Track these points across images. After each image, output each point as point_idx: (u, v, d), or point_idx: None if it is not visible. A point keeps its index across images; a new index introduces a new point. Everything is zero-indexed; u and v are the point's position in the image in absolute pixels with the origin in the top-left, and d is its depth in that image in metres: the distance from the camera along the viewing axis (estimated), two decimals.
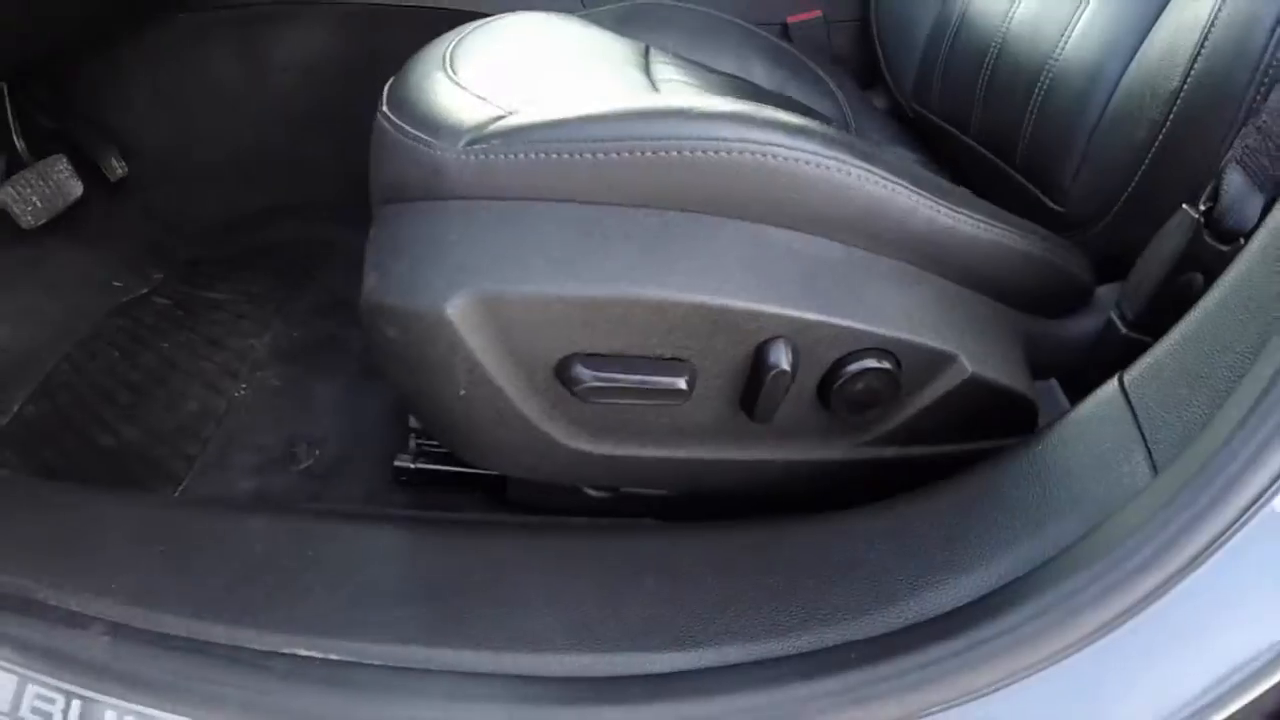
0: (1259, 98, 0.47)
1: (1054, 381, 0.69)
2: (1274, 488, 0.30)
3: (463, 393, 0.44)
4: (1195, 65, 0.50)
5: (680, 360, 0.44)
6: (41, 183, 0.91)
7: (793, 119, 0.44)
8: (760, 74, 0.83)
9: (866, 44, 0.93)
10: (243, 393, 0.82)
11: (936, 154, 0.83)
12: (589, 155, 0.41)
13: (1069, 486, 0.40)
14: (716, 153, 0.41)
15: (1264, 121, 0.42)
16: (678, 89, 0.64)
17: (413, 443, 0.67)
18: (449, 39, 0.55)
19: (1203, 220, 0.45)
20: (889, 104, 0.90)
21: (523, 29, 0.62)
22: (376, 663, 0.37)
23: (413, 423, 0.66)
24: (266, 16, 0.98)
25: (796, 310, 0.43)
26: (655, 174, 0.42)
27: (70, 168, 0.93)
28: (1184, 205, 0.46)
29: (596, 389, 0.44)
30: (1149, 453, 0.37)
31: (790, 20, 0.94)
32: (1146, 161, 0.54)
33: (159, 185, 1.03)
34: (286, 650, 0.38)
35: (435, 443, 0.66)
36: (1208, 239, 0.44)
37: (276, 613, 0.39)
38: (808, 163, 0.42)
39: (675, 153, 0.41)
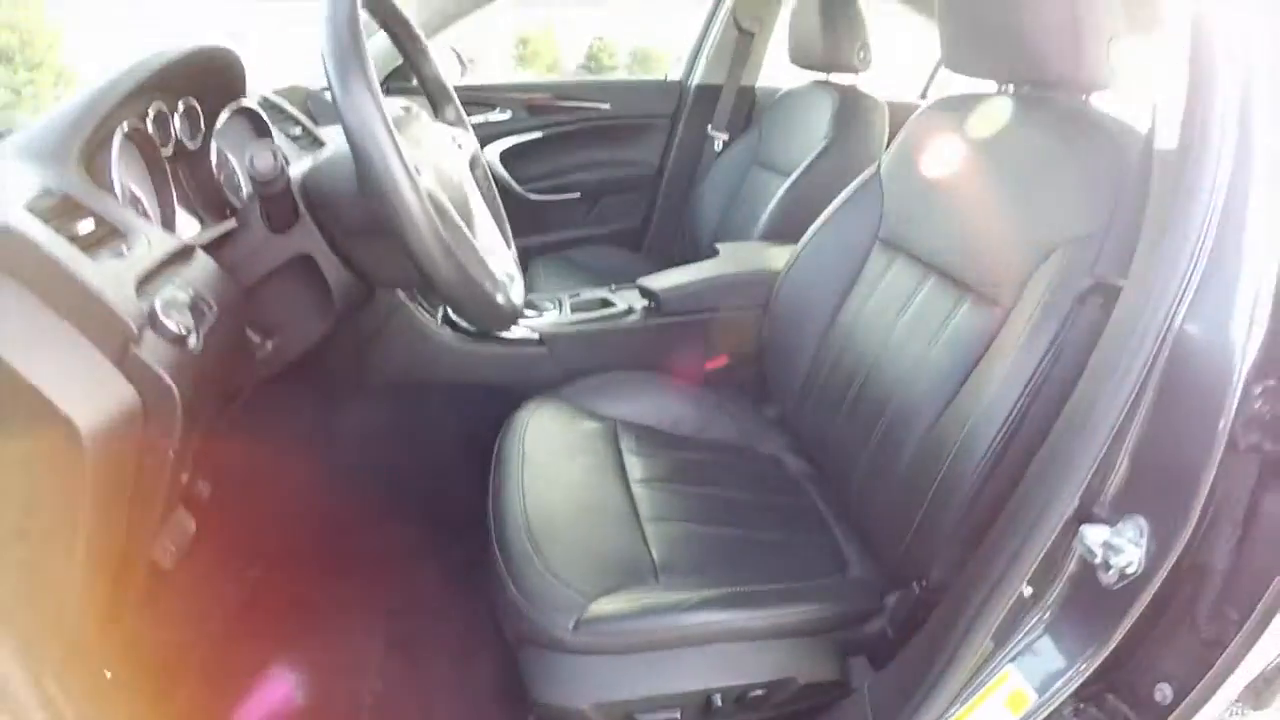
0: None
1: None
2: None
3: None
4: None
5: None
6: (176, 532, 1.18)
7: None
8: (691, 418, 1.24)
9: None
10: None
11: (811, 458, 1.19)
12: None
13: None
14: None
15: None
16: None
17: None
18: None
19: None
20: (776, 414, 1.29)
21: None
22: None
23: None
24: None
25: None
26: None
27: (187, 513, 1.19)
28: None
29: None
30: None
31: (706, 368, 1.38)
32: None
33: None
34: None
35: None
36: None
37: None
38: None
39: None
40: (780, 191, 1.65)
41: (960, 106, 1.01)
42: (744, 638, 0.81)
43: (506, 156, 2.14)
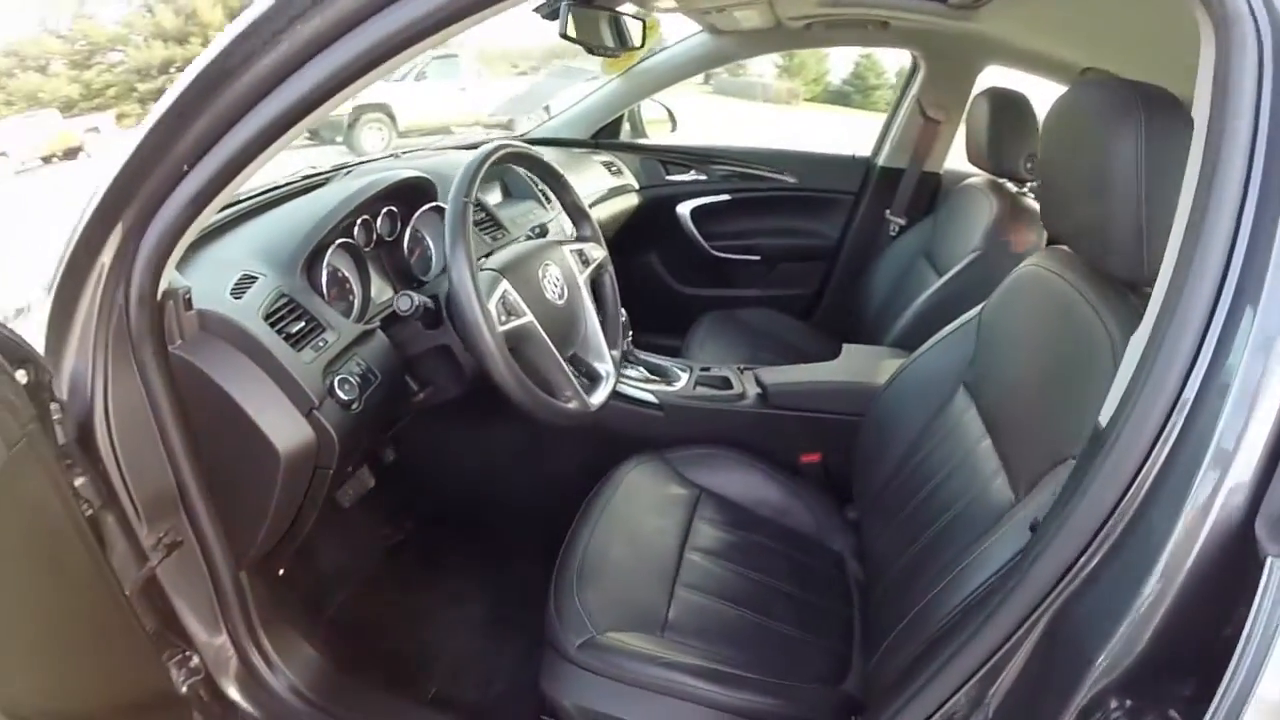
0: None
1: None
2: None
3: None
4: None
5: None
6: (356, 482, 1.50)
7: None
8: (774, 503, 1.37)
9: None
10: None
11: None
12: None
13: None
14: None
15: None
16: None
17: None
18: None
19: None
20: (855, 518, 1.36)
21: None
22: None
23: None
24: None
25: None
26: None
27: (368, 470, 1.51)
28: None
29: None
30: None
31: (801, 460, 1.49)
32: None
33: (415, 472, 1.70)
34: None
35: None
36: None
37: None
38: None
39: None
40: (927, 292, 1.68)
41: (1063, 265, 0.98)
42: (709, 705, 0.94)
43: (697, 214, 2.37)
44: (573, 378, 1.05)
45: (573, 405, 1.03)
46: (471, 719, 1.12)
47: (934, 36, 1.89)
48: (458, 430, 1.70)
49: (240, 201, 1.16)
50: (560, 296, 1.11)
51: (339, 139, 9.22)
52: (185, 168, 0.72)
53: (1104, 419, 0.62)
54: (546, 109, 2.46)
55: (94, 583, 0.77)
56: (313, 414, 0.93)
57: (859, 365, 1.52)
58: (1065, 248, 0.99)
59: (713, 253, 2.38)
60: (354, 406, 0.98)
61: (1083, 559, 0.59)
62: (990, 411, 1.03)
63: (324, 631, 1.18)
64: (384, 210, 1.23)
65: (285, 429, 0.90)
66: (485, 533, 1.70)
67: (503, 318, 0.98)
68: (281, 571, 1.16)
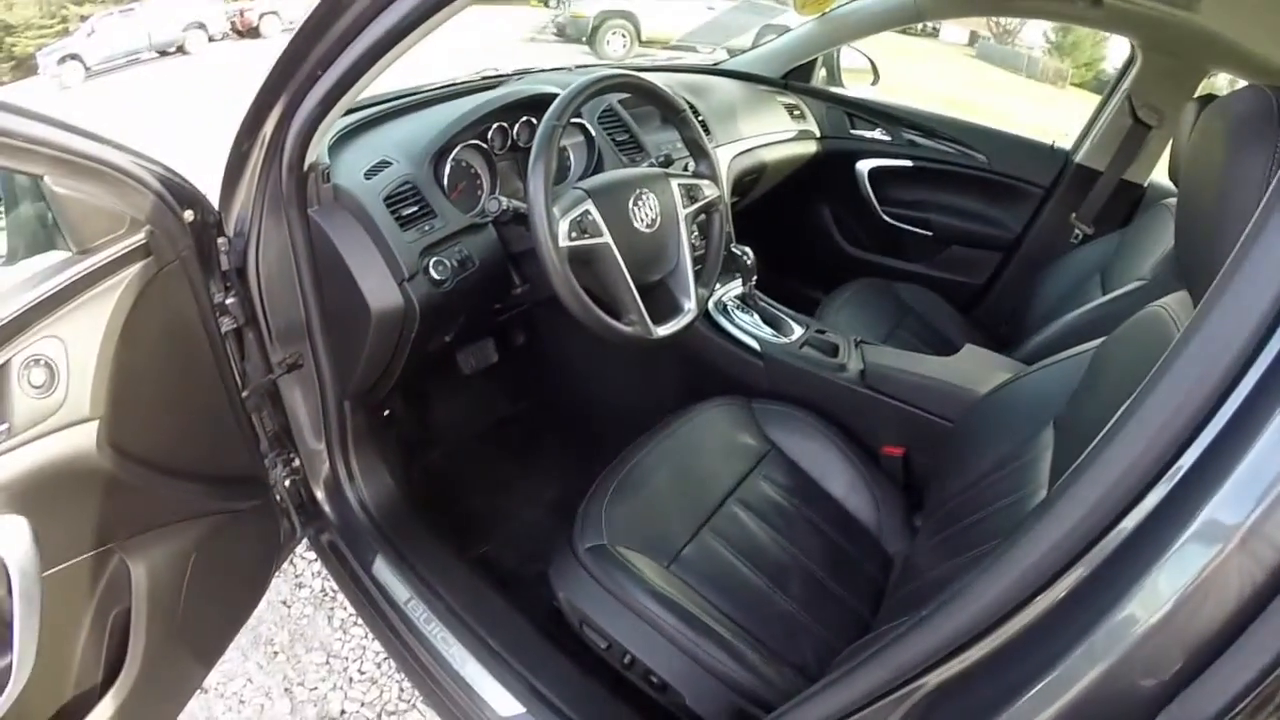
0: None
1: None
2: None
3: None
4: None
5: None
6: (479, 352, 1.75)
7: None
8: (842, 483, 1.35)
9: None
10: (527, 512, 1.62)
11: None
12: None
13: None
14: None
15: None
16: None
17: None
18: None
19: None
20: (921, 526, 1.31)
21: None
22: None
23: None
24: None
25: None
26: None
27: (494, 345, 1.76)
28: None
29: None
30: None
31: (883, 451, 1.44)
32: None
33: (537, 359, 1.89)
34: None
35: None
36: None
37: None
38: None
39: None
40: (1076, 312, 1.49)
41: (1189, 310, 0.85)
42: (684, 652, 0.99)
43: (875, 174, 2.25)
44: (640, 303, 1.10)
45: (632, 329, 1.09)
46: (501, 585, 1.27)
47: (1153, 25, 1.60)
48: (581, 335, 1.84)
49: (403, 97, 1.33)
50: (650, 225, 1.14)
51: (584, 39, 9.54)
52: (319, 72, 0.88)
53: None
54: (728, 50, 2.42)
55: (215, 381, 0.99)
56: (403, 285, 1.09)
57: (971, 368, 1.41)
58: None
59: (884, 218, 2.26)
60: (444, 285, 1.13)
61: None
62: (1061, 461, 0.94)
63: (410, 471, 1.38)
64: (522, 119, 1.34)
65: (379, 291, 1.07)
66: (585, 428, 1.84)
67: (574, 234, 1.03)
68: (387, 412, 1.36)
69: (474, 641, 1.10)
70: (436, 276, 1.11)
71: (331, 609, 1.62)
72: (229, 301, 1.01)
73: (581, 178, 1.32)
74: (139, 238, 0.84)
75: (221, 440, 1.05)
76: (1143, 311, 0.96)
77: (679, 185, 1.22)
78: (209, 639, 1.10)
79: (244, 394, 1.05)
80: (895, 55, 2.37)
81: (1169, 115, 1.76)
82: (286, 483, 1.18)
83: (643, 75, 1.18)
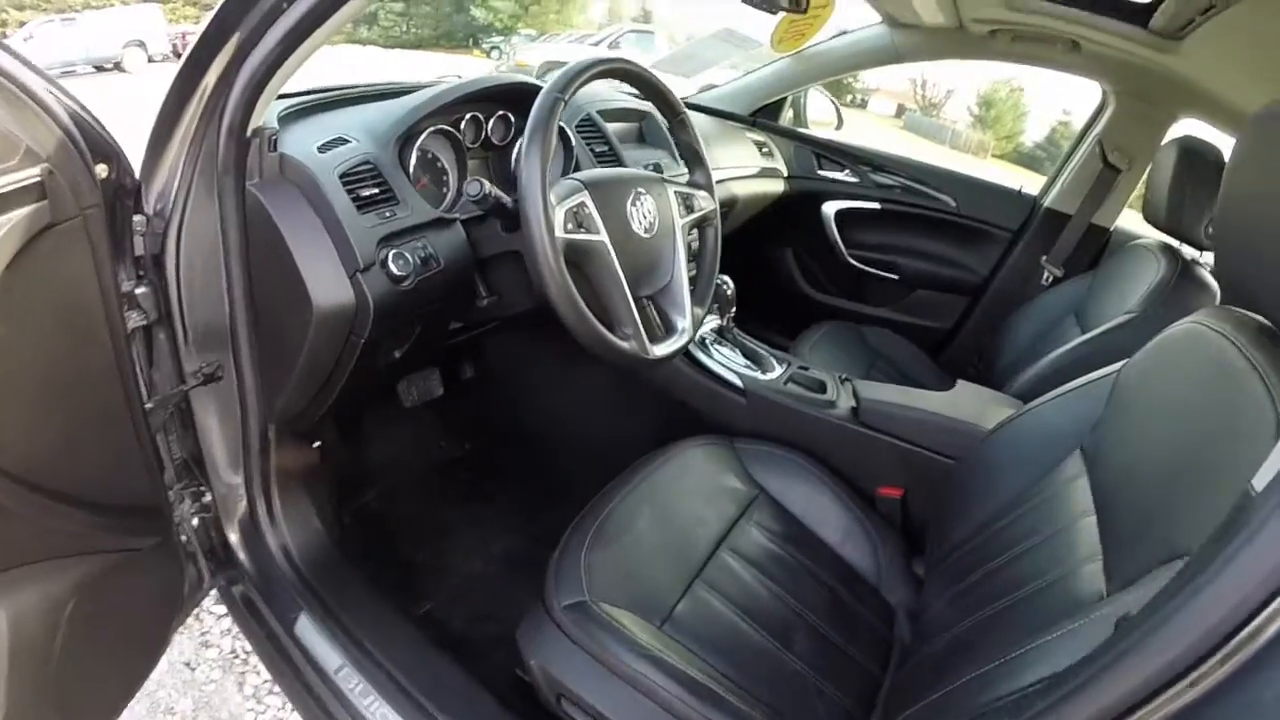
0: None
1: None
2: None
3: None
4: None
5: None
6: (422, 383, 1.57)
7: None
8: (836, 529, 1.22)
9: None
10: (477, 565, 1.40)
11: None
12: None
13: None
14: None
15: None
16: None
17: None
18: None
19: None
20: (923, 573, 1.20)
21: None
22: None
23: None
24: None
25: None
26: None
27: (439, 377, 1.58)
28: None
29: None
30: None
31: (879, 492, 1.33)
32: None
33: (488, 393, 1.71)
34: None
35: None
36: None
37: None
38: None
39: None
40: (1065, 347, 1.46)
41: (1234, 326, 0.80)
42: (673, 713, 0.83)
43: (842, 216, 2.21)
44: (636, 316, 0.96)
45: (628, 345, 0.94)
46: (450, 648, 1.08)
47: (1128, 70, 1.64)
48: (541, 364, 1.68)
49: (367, 86, 1.17)
50: (647, 231, 1.02)
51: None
52: (284, 4, 0.73)
53: (1258, 484, 0.46)
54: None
55: (114, 383, 0.78)
56: (356, 277, 0.91)
57: (969, 404, 1.33)
58: (1238, 307, 0.81)
59: (850, 261, 2.22)
60: (404, 283, 0.96)
61: (1195, 672, 0.44)
62: (1105, 486, 0.85)
63: (342, 515, 1.18)
64: (497, 113, 1.20)
65: (325, 282, 0.89)
66: (538, 473, 1.67)
67: (570, 226, 0.90)
68: (318, 444, 1.16)
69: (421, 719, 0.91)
70: (396, 271, 0.94)
71: (243, 674, 1.37)
72: (139, 292, 0.82)
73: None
74: (33, 173, 0.66)
75: (117, 458, 0.84)
76: (1171, 331, 0.91)
77: (676, 192, 1.11)
78: (93, 707, 0.87)
79: (147, 406, 0.84)
80: (828, 123, 2.40)
81: (1138, 160, 1.80)
82: (194, 521, 0.97)
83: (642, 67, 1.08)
